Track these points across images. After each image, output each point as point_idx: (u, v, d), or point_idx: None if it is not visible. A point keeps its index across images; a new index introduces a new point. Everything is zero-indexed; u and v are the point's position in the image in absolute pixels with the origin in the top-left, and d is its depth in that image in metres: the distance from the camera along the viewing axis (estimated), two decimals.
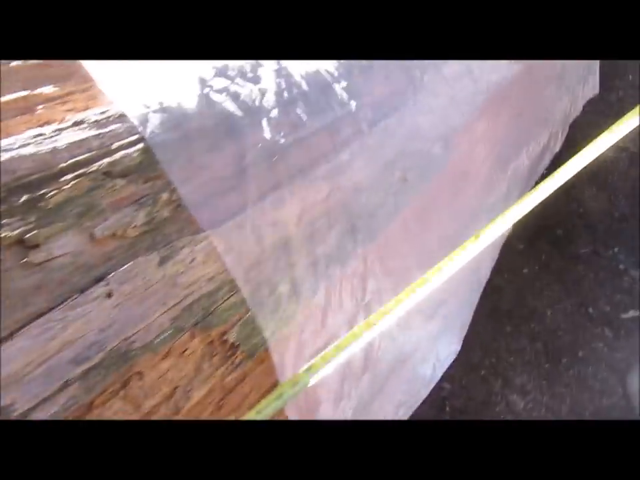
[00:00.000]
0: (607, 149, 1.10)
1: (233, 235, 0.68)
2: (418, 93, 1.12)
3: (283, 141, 0.77)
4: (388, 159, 0.95)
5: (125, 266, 0.57)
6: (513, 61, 1.55)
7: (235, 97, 0.73)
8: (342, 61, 0.94)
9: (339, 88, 0.91)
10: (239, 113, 0.72)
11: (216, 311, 0.66)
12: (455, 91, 1.23)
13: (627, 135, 1.21)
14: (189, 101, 0.68)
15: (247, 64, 0.77)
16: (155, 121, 0.63)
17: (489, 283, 1.77)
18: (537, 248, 2.17)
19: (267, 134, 0.75)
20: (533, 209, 0.94)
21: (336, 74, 0.92)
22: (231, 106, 0.71)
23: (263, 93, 0.77)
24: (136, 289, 0.58)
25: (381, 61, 1.02)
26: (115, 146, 0.59)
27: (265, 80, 0.78)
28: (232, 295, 0.68)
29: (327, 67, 0.91)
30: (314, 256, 0.81)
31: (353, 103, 0.91)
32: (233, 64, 0.75)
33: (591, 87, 2.49)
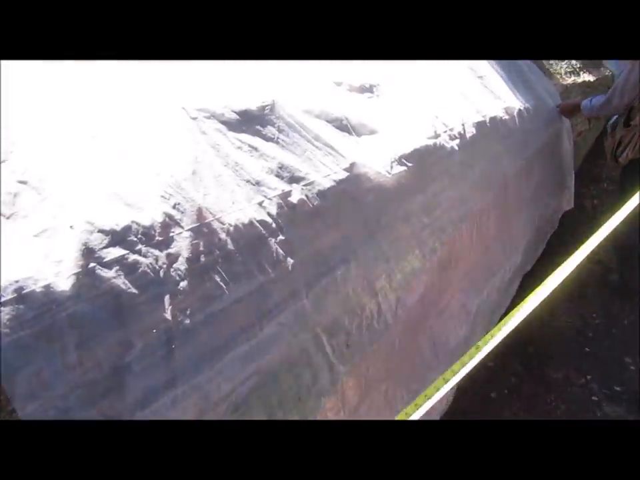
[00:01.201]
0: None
1: None
2: (374, 235, 1.01)
3: (188, 321, 0.63)
4: (325, 325, 0.81)
5: None
6: (484, 189, 1.48)
7: (131, 269, 0.59)
8: (285, 209, 0.83)
9: (274, 243, 0.79)
10: (133, 290, 0.59)
11: None
12: (416, 228, 1.13)
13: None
14: (64, 281, 0.54)
15: (157, 224, 0.64)
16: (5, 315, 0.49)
17: (455, 404, 1.59)
18: (507, 368, 2.04)
19: (169, 313, 0.61)
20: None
21: (274, 225, 0.80)
22: (121, 282, 0.58)
23: (171, 261, 0.64)
24: None
25: (331, 206, 0.91)
26: None
27: (177, 243, 0.65)
28: None
29: (264, 217, 0.79)
30: None
31: (290, 261, 0.79)
32: (139, 225, 0.63)
33: (566, 201, 2.47)
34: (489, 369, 1.99)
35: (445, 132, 1.37)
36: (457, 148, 1.38)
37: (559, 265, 1.07)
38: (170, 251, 0.64)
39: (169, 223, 0.65)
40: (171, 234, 0.65)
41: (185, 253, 0.65)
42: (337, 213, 0.94)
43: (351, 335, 0.86)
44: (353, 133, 1.09)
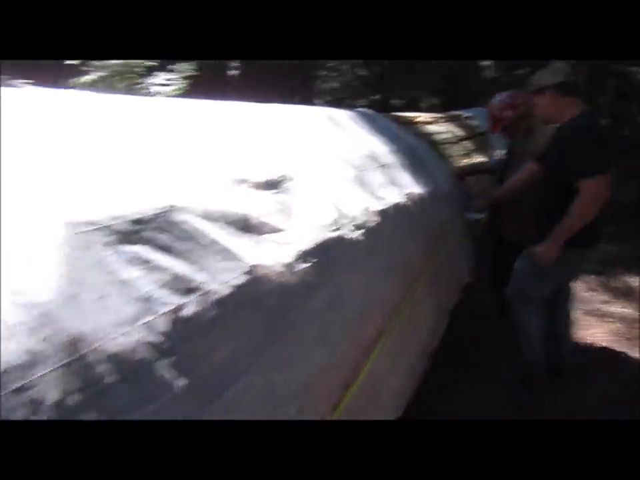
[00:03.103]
0: None
1: None
2: (277, 340, 0.99)
3: None
4: None
5: None
6: (389, 276, 1.53)
7: None
8: (177, 325, 0.79)
9: (165, 365, 0.74)
10: None
11: None
12: (321, 326, 1.13)
13: None
14: None
15: (17, 366, 0.57)
16: None
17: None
18: None
19: None
20: None
21: (164, 345, 0.75)
22: None
23: (34, 409, 0.57)
24: None
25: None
26: None
27: (40, 387, 0.59)
28: None
29: (152, 337, 0.74)
30: None
31: (182, 382, 0.74)
32: None
33: (467, 275, 2.64)
34: None
35: (348, 223, 1.42)
36: (360, 238, 1.42)
37: None
38: (32, 395, 0.57)
39: (32, 362, 0.58)
40: (33, 377, 0.58)
41: (52, 396, 0.58)
42: (236, 322, 0.91)
43: None
44: (254, 233, 1.09)
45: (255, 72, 7.57)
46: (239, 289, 0.94)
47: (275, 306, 1.01)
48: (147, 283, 0.78)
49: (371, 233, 1.49)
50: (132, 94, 3.57)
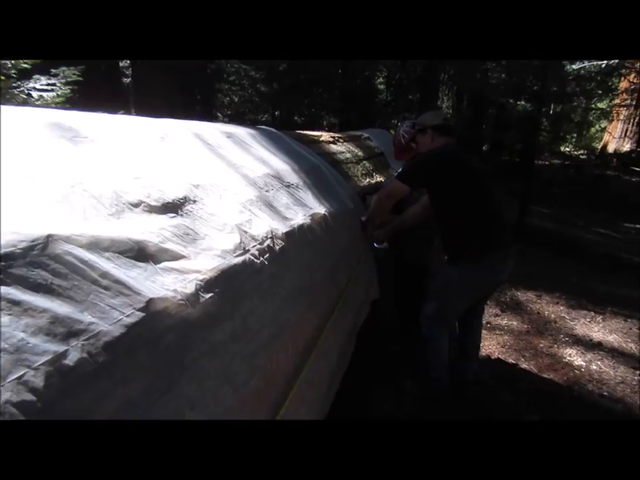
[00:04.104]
0: None
1: None
2: (177, 382, 0.90)
3: None
4: None
5: None
6: (296, 300, 1.49)
7: None
8: (55, 377, 0.67)
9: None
10: None
11: None
12: (224, 360, 1.06)
13: None
14: None
15: None
16: None
17: None
18: None
19: None
20: None
21: (38, 404, 0.64)
22: None
23: None
24: None
25: None
26: None
27: None
28: None
29: (24, 396, 0.63)
30: None
31: None
32: None
33: (373, 292, 2.70)
34: None
35: (254, 246, 1.36)
36: (266, 262, 1.38)
37: None
38: None
39: None
40: None
41: None
42: (129, 366, 0.81)
43: None
44: (151, 262, 0.99)
45: (152, 81, 7.21)
46: (133, 327, 0.84)
47: (175, 343, 0.92)
48: (17, 332, 0.66)
49: (277, 256, 1.45)
50: (6, 99, 3.19)
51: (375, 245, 2.79)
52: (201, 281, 1.07)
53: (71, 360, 0.71)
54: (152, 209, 1.13)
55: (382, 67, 12.26)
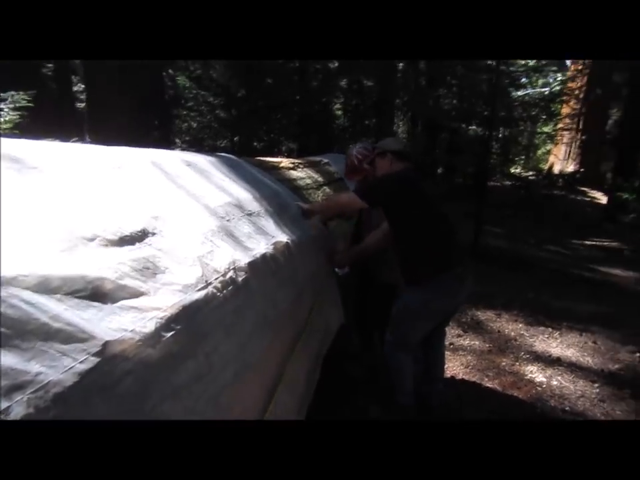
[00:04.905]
0: None
1: None
2: None
3: None
4: None
5: None
6: (260, 333, 1.45)
7: None
8: None
9: None
10: None
11: None
12: (187, 403, 1.00)
13: None
14: None
15: None
16: None
17: None
18: None
19: None
20: None
21: None
22: None
23: None
24: None
25: None
26: None
27: None
28: None
29: None
30: None
31: None
32: None
33: (338, 318, 2.67)
34: None
35: (216, 279, 1.32)
36: (229, 295, 1.33)
37: None
38: None
39: None
40: None
41: None
42: (82, 416, 0.74)
43: None
44: (108, 301, 0.93)
45: (107, 106, 7.06)
46: (87, 375, 0.78)
47: (134, 389, 0.86)
48: None
49: (240, 288, 1.41)
50: None
51: (337, 270, 2.78)
52: (161, 318, 1.01)
53: (15, 415, 0.64)
54: (108, 243, 1.07)
55: (339, 93, 12.55)
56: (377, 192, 2.34)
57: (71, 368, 0.76)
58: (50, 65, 9.95)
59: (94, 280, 0.93)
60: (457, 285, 2.30)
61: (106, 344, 0.84)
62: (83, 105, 10.03)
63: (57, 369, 0.73)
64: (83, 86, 9.48)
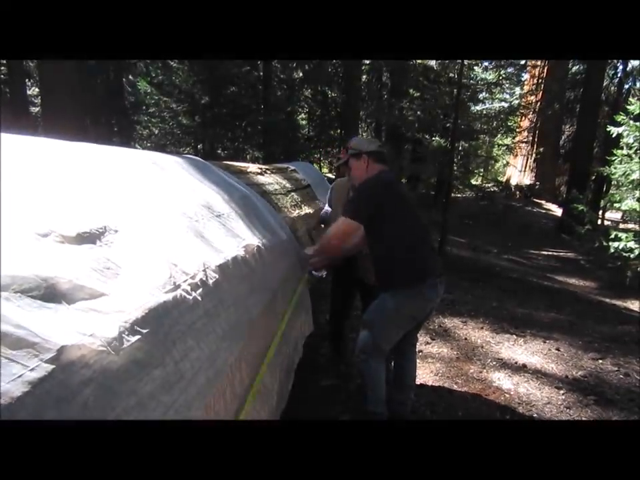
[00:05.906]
0: None
1: None
2: None
3: None
4: None
5: None
6: (232, 338, 1.36)
7: None
8: None
9: None
10: None
11: None
12: (155, 414, 0.90)
13: None
14: None
15: None
16: None
17: None
18: None
19: None
20: None
21: None
22: None
23: None
24: None
25: None
26: None
27: None
28: None
29: None
30: None
31: None
32: None
33: (308, 326, 2.60)
34: None
35: (186, 281, 1.22)
36: (200, 298, 1.24)
37: None
38: None
39: None
40: None
41: None
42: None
43: None
44: (64, 302, 0.83)
45: (62, 110, 6.76)
46: (40, 384, 0.68)
47: (94, 400, 0.76)
48: None
49: (211, 291, 1.32)
50: None
51: (313, 272, 2.71)
52: (125, 321, 0.92)
53: None
54: (65, 239, 0.97)
55: (303, 103, 12.58)
56: (365, 207, 2.24)
57: (20, 376, 0.65)
58: (2, 68, 9.51)
59: (48, 279, 0.83)
60: (430, 291, 2.27)
61: (62, 349, 0.74)
62: (37, 108, 9.63)
63: (4, 377, 0.63)
64: (37, 90, 9.10)
